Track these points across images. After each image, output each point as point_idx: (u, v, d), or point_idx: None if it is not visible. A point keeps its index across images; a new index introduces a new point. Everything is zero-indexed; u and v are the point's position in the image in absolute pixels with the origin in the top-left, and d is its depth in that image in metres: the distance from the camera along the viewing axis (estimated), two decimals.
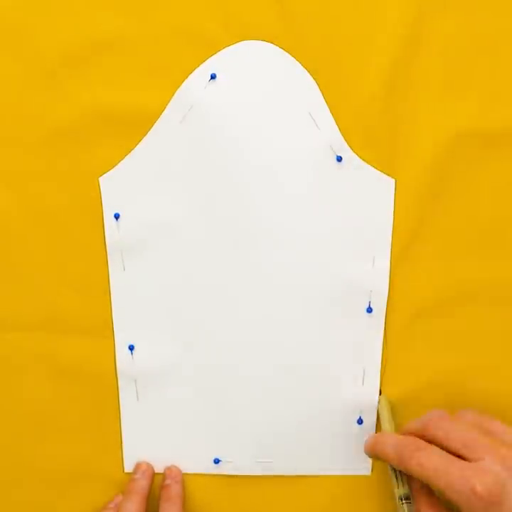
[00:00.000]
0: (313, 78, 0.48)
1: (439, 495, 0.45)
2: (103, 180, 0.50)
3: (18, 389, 0.53)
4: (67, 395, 0.53)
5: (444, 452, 0.44)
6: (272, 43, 0.48)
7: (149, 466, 0.52)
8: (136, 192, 0.50)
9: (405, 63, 0.48)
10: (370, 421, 0.53)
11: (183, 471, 0.54)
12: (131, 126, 0.49)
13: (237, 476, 0.54)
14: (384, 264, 0.51)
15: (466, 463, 0.43)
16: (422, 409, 0.52)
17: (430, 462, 0.43)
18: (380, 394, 0.52)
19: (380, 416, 0.51)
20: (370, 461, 0.53)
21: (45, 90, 0.49)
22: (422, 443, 0.45)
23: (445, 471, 0.43)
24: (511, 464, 0.42)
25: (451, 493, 0.42)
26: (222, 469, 0.54)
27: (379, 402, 0.52)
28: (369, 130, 0.49)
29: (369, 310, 0.51)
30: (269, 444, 0.53)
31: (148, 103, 0.49)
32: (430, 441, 0.45)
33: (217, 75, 0.48)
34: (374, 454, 0.49)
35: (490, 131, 0.49)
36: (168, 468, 0.53)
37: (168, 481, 0.52)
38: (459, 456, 0.43)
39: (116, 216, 0.50)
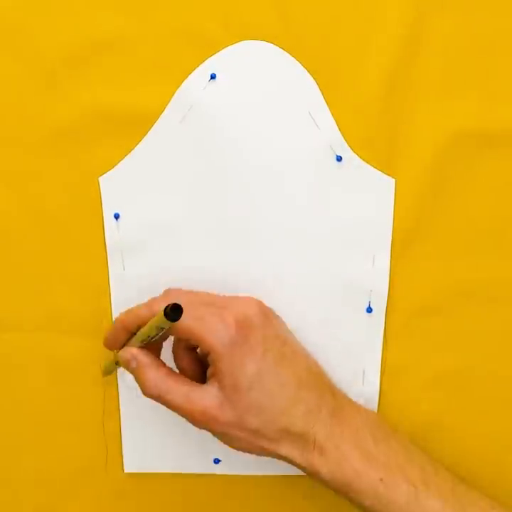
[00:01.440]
0: (313, 78, 0.48)
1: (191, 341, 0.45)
2: (103, 180, 0.50)
3: (18, 389, 0.53)
4: (67, 395, 0.53)
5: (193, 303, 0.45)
6: (272, 43, 0.48)
7: None
8: (136, 192, 0.50)
9: (405, 63, 0.48)
10: None
11: (183, 471, 0.54)
12: (131, 126, 0.49)
13: (237, 476, 0.54)
14: (384, 264, 0.51)
15: (216, 306, 0.45)
16: (422, 409, 0.52)
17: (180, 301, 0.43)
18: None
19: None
20: None
21: (45, 90, 0.49)
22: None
23: (195, 309, 0.43)
24: (253, 308, 0.45)
25: (203, 328, 0.43)
26: (222, 469, 0.54)
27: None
28: (369, 130, 0.49)
29: (369, 310, 0.51)
30: None
31: (148, 103, 0.49)
32: None
33: (217, 75, 0.48)
34: (120, 324, 0.47)
35: (490, 131, 0.49)
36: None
37: None
38: None
39: (116, 216, 0.50)
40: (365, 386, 0.52)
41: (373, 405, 0.52)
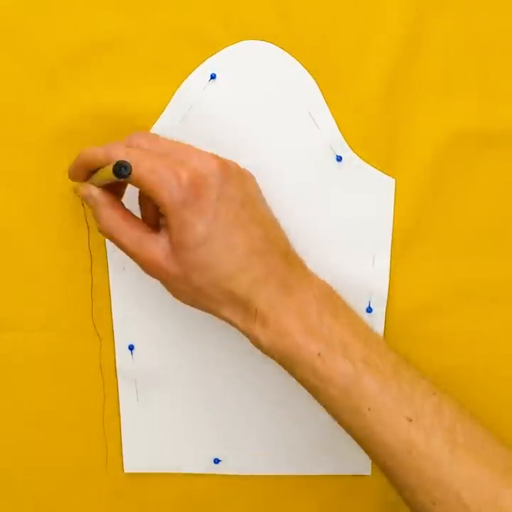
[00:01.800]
0: (313, 78, 0.48)
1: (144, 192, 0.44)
2: None
3: (18, 389, 0.53)
4: (67, 394, 0.53)
5: (150, 151, 0.44)
6: (272, 43, 0.48)
7: None
8: (135, 192, 0.50)
9: (405, 63, 0.48)
10: None
11: (183, 471, 0.54)
12: (131, 126, 0.49)
13: (237, 476, 0.54)
14: (384, 264, 0.51)
15: (173, 160, 0.43)
16: None
17: (136, 152, 0.43)
18: None
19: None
20: (370, 461, 0.53)
21: (45, 90, 0.49)
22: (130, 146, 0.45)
23: (151, 160, 0.42)
24: (213, 164, 0.43)
25: (154, 181, 0.42)
26: (222, 469, 0.54)
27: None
28: (369, 130, 0.49)
29: (369, 310, 0.51)
30: (269, 444, 0.53)
31: (148, 103, 0.49)
32: None
33: (217, 75, 0.48)
34: (82, 160, 0.46)
35: (490, 131, 0.49)
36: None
37: None
38: None
39: None
40: None
41: None
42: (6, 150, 0.50)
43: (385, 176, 0.49)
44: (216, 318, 0.51)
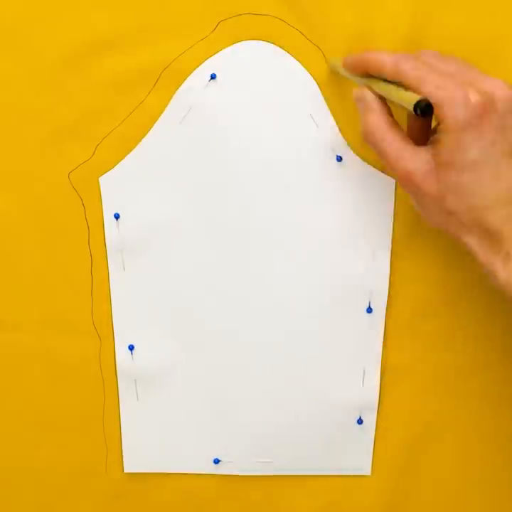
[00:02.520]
0: (314, 78, 0.48)
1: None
2: (103, 180, 0.50)
3: (18, 389, 0.53)
4: (67, 394, 0.53)
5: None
6: (272, 43, 0.48)
7: None
8: (136, 192, 0.50)
9: None
10: (370, 421, 0.53)
11: (183, 471, 0.54)
12: (132, 127, 0.49)
13: (236, 476, 0.54)
14: (384, 264, 0.51)
15: (462, 80, 0.41)
16: (422, 409, 0.52)
17: (425, 68, 0.42)
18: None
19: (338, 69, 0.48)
20: (369, 461, 0.53)
21: (45, 90, 0.49)
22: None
23: (439, 78, 0.41)
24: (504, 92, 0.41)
25: (442, 97, 0.40)
26: (222, 469, 0.54)
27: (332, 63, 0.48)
28: None
29: (369, 310, 0.51)
30: (269, 444, 0.53)
31: (148, 103, 0.49)
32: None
33: (217, 75, 0.48)
34: (362, 60, 0.45)
35: None
36: None
37: None
38: None
39: (116, 216, 0.50)
40: (365, 386, 0.52)
41: (373, 405, 0.52)
42: (6, 150, 0.50)
43: (385, 176, 0.49)
44: (216, 318, 0.52)
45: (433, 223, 0.44)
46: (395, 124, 0.44)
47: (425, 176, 0.42)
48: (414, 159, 0.42)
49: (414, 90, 0.41)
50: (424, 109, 0.40)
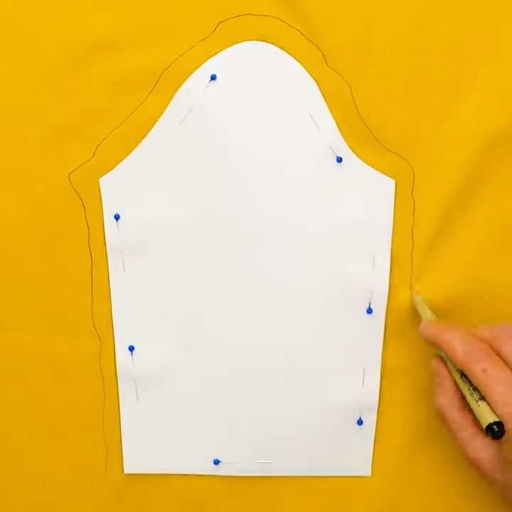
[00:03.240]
0: (314, 79, 0.48)
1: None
2: (103, 181, 0.50)
3: (18, 389, 0.53)
4: (67, 395, 0.53)
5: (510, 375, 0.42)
6: (272, 43, 0.48)
7: None
8: (136, 193, 0.50)
9: (406, 64, 0.48)
10: (370, 421, 0.53)
11: (183, 472, 0.54)
12: (132, 127, 0.49)
13: (236, 476, 0.54)
14: (384, 264, 0.50)
15: None
16: (422, 410, 0.52)
17: (495, 372, 0.42)
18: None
19: (418, 307, 0.49)
20: (369, 462, 0.53)
21: (45, 90, 0.49)
22: (494, 353, 0.43)
23: (508, 389, 0.41)
24: None
25: (507, 410, 0.41)
26: (222, 470, 0.54)
27: (413, 296, 0.50)
28: (369, 131, 0.49)
29: (369, 311, 0.51)
30: (269, 444, 0.53)
31: (148, 103, 0.49)
32: (495, 350, 0.44)
33: (217, 76, 0.48)
34: (436, 341, 0.46)
35: (490, 131, 0.49)
36: None
37: None
38: None
39: (116, 217, 0.50)
40: (365, 386, 0.52)
41: (373, 406, 0.52)
42: (6, 150, 0.50)
43: (386, 177, 0.49)
44: (216, 319, 0.52)
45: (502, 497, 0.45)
46: (465, 406, 0.45)
47: (492, 466, 0.43)
48: (483, 450, 0.44)
49: (484, 396, 0.42)
50: (495, 432, 0.41)
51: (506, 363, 0.43)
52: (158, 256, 0.51)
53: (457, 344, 0.44)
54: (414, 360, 0.52)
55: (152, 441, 0.54)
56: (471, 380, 0.43)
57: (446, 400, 0.46)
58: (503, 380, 0.42)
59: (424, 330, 0.47)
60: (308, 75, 0.48)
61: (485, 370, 0.42)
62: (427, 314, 0.48)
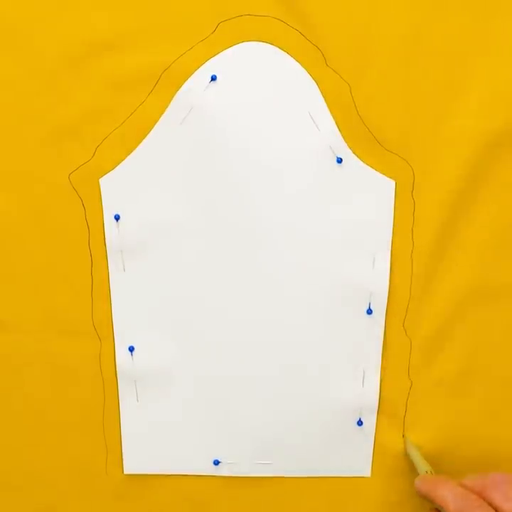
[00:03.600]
0: (314, 79, 0.48)
1: None
2: (103, 182, 0.50)
3: (18, 389, 0.53)
4: (67, 395, 0.53)
5: None
6: (271, 43, 0.48)
7: None
8: (136, 193, 0.50)
9: (406, 64, 0.48)
10: (369, 422, 0.53)
11: (183, 473, 0.54)
12: (132, 127, 0.49)
13: (236, 477, 0.54)
14: (384, 265, 0.50)
15: None
16: (422, 410, 0.52)
17: None
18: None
19: (413, 459, 0.51)
20: (369, 462, 0.53)
21: (45, 90, 0.49)
22: (485, 504, 0.44)
23: None
24: None
25: None
26: (222, 471, 0.54)
27: (407, 445, 0.52)
28: (369, 131, 0.49)
29: (369, 311, 0.51)
30: (269, 445, 0.53)
31: (148, 104, 0.49)
32: (486, 500, 0.45)
33: (217, 77, 0.48)
34: (430, 496, 0.47)
35: (489, 131, 0.49)
36: None
37: None
38: None
39: (117, 217, 0.50)
40: (365, 387, 0.52)
41: (373, 406, 0.52)
42: (6, 150, 0.50)
43: (386, 178, 0.49)
44: (216, 320, 0.52)
45: None
46: None
47: None
48: None
49: None
50: None
51: (497, 508, 0.44)
52: (158, 256, 0.51)
53: (450, 499, 0.45)
54: (414, 360, 0.52)
55: (152, 442, 0.54)
56: None
57: None
58: None
59: (419, 486, 0.48)
60: (308, 75, 0.48)
61: None
62: (421, 466, 0.50)
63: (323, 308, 0.51)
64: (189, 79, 0.48)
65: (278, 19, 0.48)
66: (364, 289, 0.51)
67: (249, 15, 0.47)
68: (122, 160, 0.50)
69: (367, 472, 0.54)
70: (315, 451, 0.53)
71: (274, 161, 0.49)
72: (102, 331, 0.52)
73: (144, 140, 0.49)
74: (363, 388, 0.52)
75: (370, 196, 0.50)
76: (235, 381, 0.52)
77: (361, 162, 0.49)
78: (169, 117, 0.49)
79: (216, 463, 0.54)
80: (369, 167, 0.49)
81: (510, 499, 0.44)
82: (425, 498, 0.47)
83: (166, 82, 0.48)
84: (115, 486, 0.54)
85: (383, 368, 0.52)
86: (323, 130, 0.49)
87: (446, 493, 0.46)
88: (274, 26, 0.48)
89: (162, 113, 0.49)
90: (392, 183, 0.49)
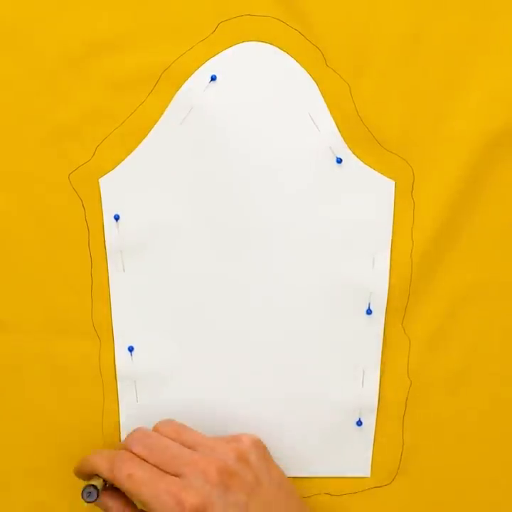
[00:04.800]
0: (314, 80, 0.48)
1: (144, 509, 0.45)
2: (103, 182, 0.50)
3: (18, 389, 0.53)
4: (66, 395, 0.53)
5: (154, 468, 0.45)
6: (271, 43, 0.48)
7: None
8: (136, 193, 0.50)
9: (406, 64, 0.48)
10: (369, 422, 0.53)
11: None
12: (132, 127, 0.49)
13: None
14: (384, 266, 0.51)
15: (172, 478, 0.44)
16: (422, 411, 0.52)
17: (139, 474, 0.44)
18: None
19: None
20: (369, 462, 0.53)
21: (45, 90, 0.49)
22: (136, 457, 0.46)
23: (153, 485, 0.43)
24: (212, 477, 0.44)
25: (157, 507, 0.43)
26: None
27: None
28: (369, 132, 0.49)
29: (369, 311, 0.51)
30: (268, 445, 0.53)
31: (148, 104, 0.49)
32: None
33: (217, 77, 0.48)
34: (87, 467, 0.48)
35: (489, 131, 0.49)
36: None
37: None
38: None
39: (116, 217, 0.50)
40: (365, 387, 0.52)
41: (373, 406, 0.52)
42: (6, 150, 0.50)
43: (385, 178, 0.49)
44: (215, 320, 0.52)
45: None
46: None
47: None
48: None
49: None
50: (87, 495, 0.45)
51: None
52: (158, 256, 0.51)
53: (102, 461, 0.47)
54: (414, 360, 0.52)
55: None
56: (122, 487, 0.45)
57: None
58: (149, 480, 0.44)
59: (75, 469, 0.49)
60: (308, 76, 0.48)
61: (130, 475, 0.44)
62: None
63: (322, 308, 0.51)
64: (189, 79, 0.48)
65: (278, 19, 0.48)
66: (363, 288, 0.51)
67: (249, 15, 0.47)
68: (122, 160, 0.50)
69: (366, 472, 0.54)
70: (314, 451, 0.53)
71: (273, 161, 0.49)
72: (102, 331, 0.52)
73: (144, 140, 0.49)
74: (363, 388, 0.52)
75: (370, 196, 0.50)
76: (234, 381, 0.52)
77: (361, 162, 0.49)
78: (169, 117, 0.49)
79: None
80: (369, 167, 0.49)
81: (152, 450, 0.46)
82: (83, 478, 0.48)
83: (166, 82, 0.48)
84: None
85: (383, 368, 0.52)
86: (323, 130, 0.49)
87: (98, 456, 0.47)
88: (274, 26, 0.48)
89: (162, 113, 0.49)
90: (392, 183, 0.49)
